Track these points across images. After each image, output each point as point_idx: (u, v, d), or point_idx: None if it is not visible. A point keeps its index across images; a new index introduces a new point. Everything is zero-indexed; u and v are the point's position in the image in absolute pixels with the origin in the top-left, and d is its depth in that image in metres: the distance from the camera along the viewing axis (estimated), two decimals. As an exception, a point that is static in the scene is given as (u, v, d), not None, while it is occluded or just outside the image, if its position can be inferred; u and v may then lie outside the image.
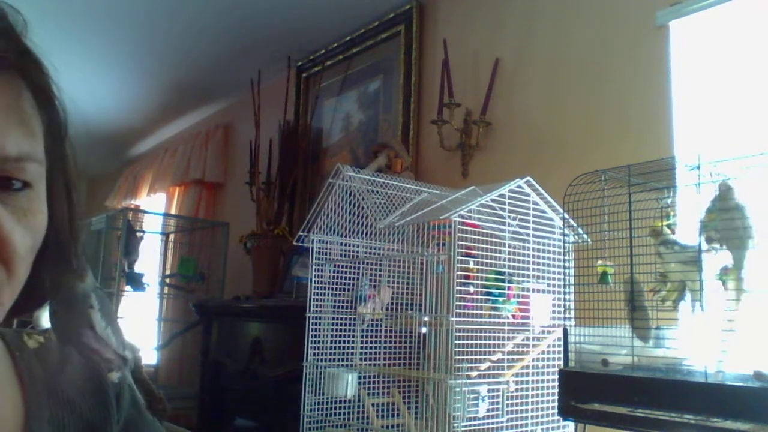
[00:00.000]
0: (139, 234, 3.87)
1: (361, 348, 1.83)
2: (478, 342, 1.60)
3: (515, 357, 1.66)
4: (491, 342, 1.62)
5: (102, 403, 0.62)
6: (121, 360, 0.98)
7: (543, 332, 1.72)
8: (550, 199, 1.73)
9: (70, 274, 0.57)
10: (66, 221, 0.55)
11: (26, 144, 0.47)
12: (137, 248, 3.79)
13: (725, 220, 1.19)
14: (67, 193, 0.55)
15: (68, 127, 0.54)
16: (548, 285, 1.73)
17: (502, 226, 1.64)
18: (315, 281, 1.87)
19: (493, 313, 1.63)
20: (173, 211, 4.73)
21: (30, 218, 0.49)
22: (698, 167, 1.25)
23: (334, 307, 1.86)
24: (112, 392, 0.63)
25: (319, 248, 1.89)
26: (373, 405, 1.78)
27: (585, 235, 1.56)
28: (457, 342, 1.52)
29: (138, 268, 3.80)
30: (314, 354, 1.83)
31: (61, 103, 0.53)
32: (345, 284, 1.89)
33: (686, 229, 1.31)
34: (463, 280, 1.56)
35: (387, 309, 1.83)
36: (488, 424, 1.58)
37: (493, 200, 1.64)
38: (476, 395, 1.52)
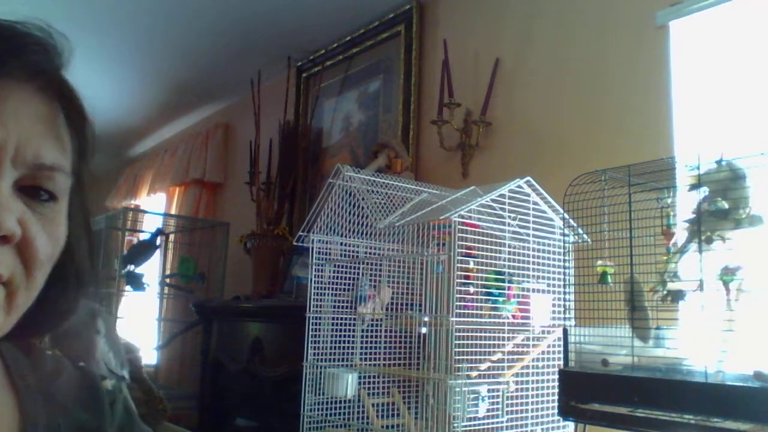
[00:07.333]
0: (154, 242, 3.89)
1: (361, 348, 1.83)
2: (478, 342, 1.60)
3: (515, 357, 1.66)
4: (491, 342, 1.62)
5: (96, 409, 0.63)
6: (119, 379, 0.99)
7: (543, 332, 1.72)
8: (550, 199, 1.73)
9: (84, 297, 0.59)
10: (85, 243, 0.58)
11: (59, 156, 0.52)
12: (148, 258, 3.83)
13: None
14: (85, 216, 0.59)
15: (93, 152, 0.58)
16: (548, 285, 1.73)
17: (502, 226, 1.64)
18: (315, 281, 1.87)
19: (493, 313, 1.63)
20: (173, 211, 4.73)
21: (53, 227, 0.52)
22: (698, 167, 1.25)
23: (334, 307, 1.86)
24: (106, 399, 0.65)
25: (319, 248, 1.89)
26: (373, 405, 1.78)
27: (585, 235, 1.56)
28: (457, 342, 1.52)
29: (138, 268, 3.81)
30: (314, 354, 1.83)
31: (90, 130, 0.57)
32: (345, 284, 1.89)
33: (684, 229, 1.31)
34: (463, 280, 1.56)
35: (387, 309, 1.83)
36: (488, 424, 1.58)
37: (493, 200, 1.64)
38: (476, 395, 1.52)
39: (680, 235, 1.34)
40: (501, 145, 2.46)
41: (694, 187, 1.27)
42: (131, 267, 3.74)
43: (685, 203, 1.34)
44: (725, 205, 1.21)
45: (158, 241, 3.91)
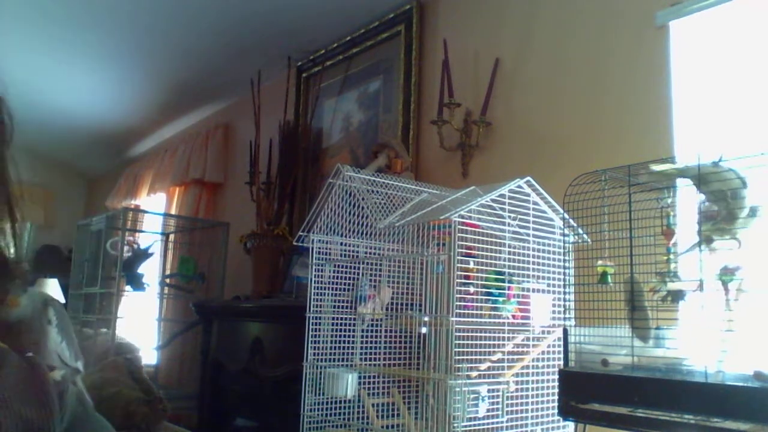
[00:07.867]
0: (149, 251, 3.90)
1: (361, 348, 1.83)
2: (478, 342, 1.60)
3: (515, 357, 1.66)
4: (491, 342, 1.62)
5: (42, 401, 0.60)
6: (73, 371, 0.97)
7: (543, 332, 1.72)
8: (550, 199, 1.73)
9: (14, 286, 0.57)
10: (9, 231, 0.56)
11: None
12: (141, 265, 3.84)
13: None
14: (8, 203, 0.57)
15: (12, 135, 0.55)
16: (548, 285, 1.73)
17: (502, 226, 1.64)
18: (315, 281, 1.87)
19: (493, 313, 1.63)
20: (173, 211, 4.73)
21: None
22: (698, 167, 1.25)
23: (334, 307, 1.86)
24: (53, 390, 0.62)
25: (319, 248, 1.89)
26: (373, 405, 1.78)
27: (585, 235, 1.56)
28: (457, 342, 1.52)
29: (138, 268, 3.82)
30: (314, 354, 1.83)
31: (7, 112, 0.54)
32: (345, 284, 1.89)
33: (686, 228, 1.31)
34: (463, 280, 1.56)
35: (387, 309, 1.83)
36: (488, 424, 1.58)
37: (493, 200, 1.64)
38: (476, 395, 1.52)
39: (680, 235, 1.34)
40: (501, 145, 2.46)
41: (680, 174, 1.27)
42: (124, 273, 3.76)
43: (685, 203, 1.34)
44: (734, 206, 1.21)
45: (157, 248, 3.94)
